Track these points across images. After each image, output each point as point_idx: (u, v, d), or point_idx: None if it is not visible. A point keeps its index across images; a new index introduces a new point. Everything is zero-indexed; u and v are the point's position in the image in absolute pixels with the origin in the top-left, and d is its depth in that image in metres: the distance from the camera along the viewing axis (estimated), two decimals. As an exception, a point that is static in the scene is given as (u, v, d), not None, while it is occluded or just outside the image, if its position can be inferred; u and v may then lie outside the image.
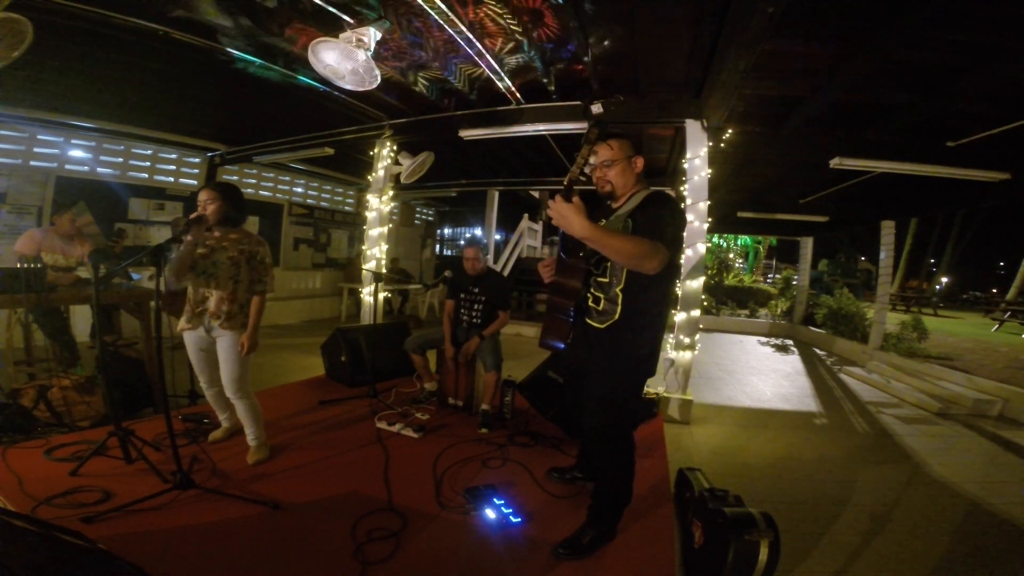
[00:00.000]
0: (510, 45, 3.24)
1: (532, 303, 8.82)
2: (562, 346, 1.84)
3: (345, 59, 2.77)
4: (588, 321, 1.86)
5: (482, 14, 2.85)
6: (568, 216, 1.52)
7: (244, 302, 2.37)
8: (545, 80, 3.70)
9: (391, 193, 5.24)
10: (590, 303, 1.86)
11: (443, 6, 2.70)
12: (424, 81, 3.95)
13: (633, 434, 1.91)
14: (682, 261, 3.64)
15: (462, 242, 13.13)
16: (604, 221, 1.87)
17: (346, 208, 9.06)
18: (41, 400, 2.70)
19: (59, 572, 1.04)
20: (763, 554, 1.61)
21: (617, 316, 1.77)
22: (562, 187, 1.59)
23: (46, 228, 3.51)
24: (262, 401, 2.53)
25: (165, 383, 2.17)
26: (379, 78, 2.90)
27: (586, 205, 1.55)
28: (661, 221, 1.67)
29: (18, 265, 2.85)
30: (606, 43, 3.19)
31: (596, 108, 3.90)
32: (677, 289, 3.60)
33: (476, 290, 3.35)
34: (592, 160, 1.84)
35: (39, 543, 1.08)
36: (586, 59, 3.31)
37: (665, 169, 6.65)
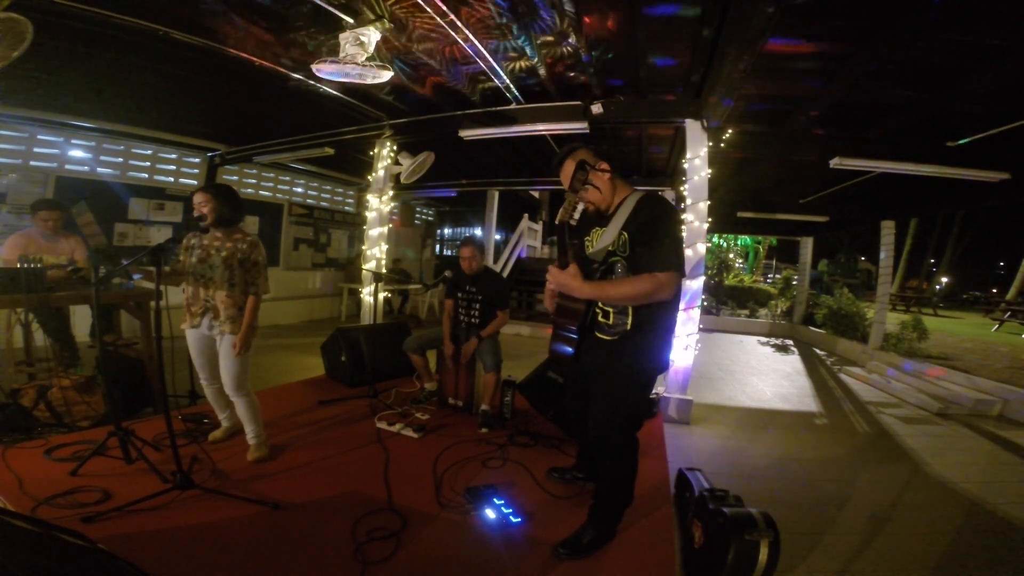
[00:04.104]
0: (510, 44, 3.24)
1: (532, 303, 8.81)
2: (571, 351, 1.82)
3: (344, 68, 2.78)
4: (599, 335, 1.83)
5: (482, 11, 2.85)
6: (568, 285, 1.66)
7: (242, 304, 2.37)
8: (545, 80, 3.70)
9: (391, 193, 5.24)
10: (600, 318, 1.82)
11: (442, 5, 2.70)
12: (425, 81, 3.94)
13: (637, 435, 1.91)
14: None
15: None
16: (599, 230, 1.83)
17: (346, 208, 9.06)
18: (41, 400, 2.70)
19: (59, 572, 1.04)
20: (763, 554, 1.61)
21: (629, 327, 1.75)
22: (555, 225, 1.69)
23: (27, 230, 3.44)
24: (262, 401, 2.53)
25: (165, 383, 2.17)
26: (384, 76, 2.90)
27: (581, 220, 1.58)
28: (660, 242, 1.64)
29: (18, 265, 2.84)
30: (606, 42, 3.18)
31: (596, 108, 3.90)
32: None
33: (473, 289, 3.34)
34: (583, 195, 1.79)
35: (39, 543, 1.08)
36: (586, 59, 3.31)
37: (665, 169, 6.66)
